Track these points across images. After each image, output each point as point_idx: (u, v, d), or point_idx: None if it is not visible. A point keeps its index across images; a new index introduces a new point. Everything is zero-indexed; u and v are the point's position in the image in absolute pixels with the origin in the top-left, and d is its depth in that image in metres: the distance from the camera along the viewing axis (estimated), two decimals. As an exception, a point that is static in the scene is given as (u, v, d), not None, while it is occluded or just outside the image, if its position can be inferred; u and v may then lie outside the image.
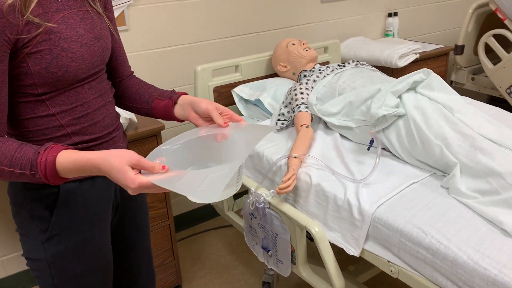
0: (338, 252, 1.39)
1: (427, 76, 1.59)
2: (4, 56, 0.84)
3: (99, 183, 1.05)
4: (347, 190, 1.37)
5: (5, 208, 1.95)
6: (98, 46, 1.00)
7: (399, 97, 1.56)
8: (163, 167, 0.83)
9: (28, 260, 1.06)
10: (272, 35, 2.46)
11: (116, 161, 0.81)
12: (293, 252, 1.48)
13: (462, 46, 2.85)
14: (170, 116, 1.10)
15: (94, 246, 1.07)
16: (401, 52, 2.41)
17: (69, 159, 0.84)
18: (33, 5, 0.86)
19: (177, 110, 1.09)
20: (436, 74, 1.60)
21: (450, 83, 3.04)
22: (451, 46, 2.76)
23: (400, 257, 1.22)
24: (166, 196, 1.89)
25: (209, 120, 1.03)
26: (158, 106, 1.10)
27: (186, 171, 0.88)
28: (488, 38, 2.66)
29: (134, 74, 1.22)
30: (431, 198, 1.30)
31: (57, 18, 0.91)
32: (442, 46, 2.76)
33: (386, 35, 2.95)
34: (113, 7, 2.02)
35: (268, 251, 1.58)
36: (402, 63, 2.43)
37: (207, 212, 2.56)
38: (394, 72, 2.49)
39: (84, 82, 0.99)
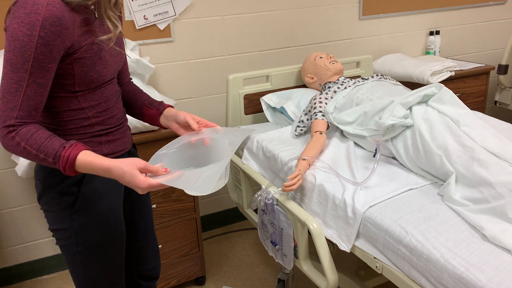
0: (350, 256, 1.47)
1: (439, 90, 1.65)
2: (58, 58, 1.05)
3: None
4: (345, 191, 1.47)
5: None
6: (120, 57, 1.21)
7: (410, 109, 1.64)
8: (165, 169, 1.05)
9: (56, 231, 1.24)
10: (307, 49, 2.60)
11: (127, 167, 1.02)
12: (295, 246, 1.60)
13: (506, 66, 2.80)
14: (156, 123, 1.33)
15: (113, 216, 1.26)
16: (434, 69, 2.45)
17: (87, 159, 1.03)
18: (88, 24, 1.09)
19: (162, 120, 1.32)
20: (447, 89, 1.65)
21: (494, 103, 2.99)
22: (492, 65, 2.73)
23: (384, 253, 1.30)
24: (193, 191, 2.07)
25: (188, 129, 1.24)
26: (147, 113, 1.34)
27: (184, 171, 1.09)
28: (532, 58, 2.61)
29: (132, 81, 1.42)
30: (424, 204, 1.37)
31: (97, 31, 1.12)
32: (482, 65, 2.74)
33: (427, 53, 2.98)
34: (160, 21, 2.28)
35: (275, 245, 1.70)
36: (435, 80, 2.47)
37: (237, 214, 2.72)
38: (427, 88, 2.52)
39: (106, 84, 1.20)
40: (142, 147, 1.88)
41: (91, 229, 1.22)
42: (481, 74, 2.70)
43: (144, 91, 1.40)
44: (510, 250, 1.13)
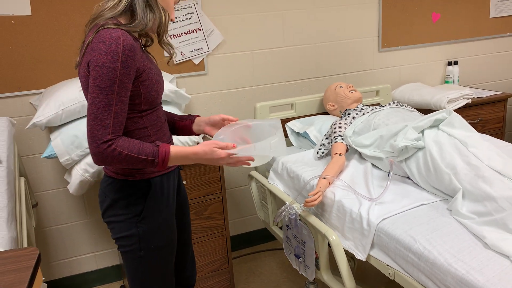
0: (372, 273, 1.60)
1: (449, 115, 1.80)
2: (133, 79, 1.25)
3: (171, 178, 1.45)
4: (361, 206, 1.62)
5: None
6: (162, 80, 1.43)
7: (422, 132, 1.79)
8: (233, 145, 1.28)
9: (121, 238, 1.41)
10: (330, 80, 2.79)
11: (207, 147, 1.27)
12: (317, 258, 1.74)
13: (524, 94, 2.91)
14: (189, 132, 1.55)
15: (169, 225, 1.44)
16: (450, 96, 2.59)
17: (177, 150, 1.27)
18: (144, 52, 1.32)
19: (194, 127, 1.55)
20: (457, 114, 1.80)
21: (515, 130, 3.08)
22: (509, 93, 2.84)
23: (395, 261, 1.44)
24: (224, 209, 2.25)
25: (219, 127, 1.48)
26: (179, 125, 1.56)
27: (253, 143, 1.31)
28: (548, 86, 2.71)
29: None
30: (433, 217, 1.50)
31: (148, 59, 1.35)
32: (500, 92, 2.86)
33: (446, 82, 3.12)
34: (195, 56, 2.52)
35: (299, 258, 1.85)
36: (452, 107, 2.60)
37: (264, 235, 2.87)
38: (445, 115, 2.65)
39: (159, 106, 1.41)
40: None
41: (153, 236, 1.40)
42: (498, 101, 2.82)
43: None
44: (509, 256, 1.25)
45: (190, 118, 1.57)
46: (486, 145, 1.67)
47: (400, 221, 1.50)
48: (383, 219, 1.52)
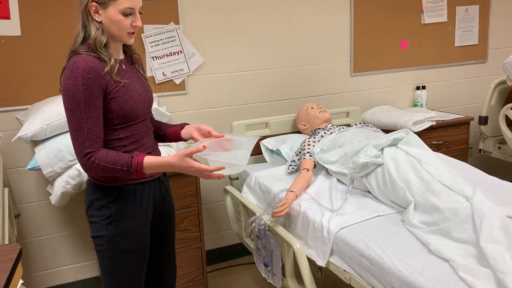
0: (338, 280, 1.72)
1: (407, 135, 1.96)
2: (100, 97, 1.39)
3: (146, 188, 1.56)
4: (323, 217, 1.75)
5: (81, 227, 2.56)
6: (147, 96, 1.56)
7: (382, 150, 1.95)
8: (204, 146, 1.39)
9: (95, 238, 1.54)
10: (304, 101, 2.96)
11: (180, 157, 1.37)
12: (283, 266, 1.86)
13: (486, 117, 3.10)
14: (178, 138, 1.66)
15: (139, 231, 1.55)
16: (415, 119, 2.76)
17: (151, 161, 1.39)
18: (115, 71, 1.44)
19: (183, 133, 1.66)
20: (414, 134, 1.97)
21: (479, 151, 3.27)
22: (471, 117, 3.04)
23: (351, 266, 1.57)
24: (199, 222, 2.37)
25: (206, 136, 1.59)
26: (170, 131, 1.68)
27: (223, 152, 1.45)
28: (507, 110, 2.91)
29: (154, 118, 1.76)
30: (387, 227, 1.64)
31: (126, 77, 1.48)
32: (463, 116, 3.05)
33: (415, 105, 3.30)
34: (177, 77, 2.67)
35: (267, 267, 1.97)
36: (417, 128, 2.77)
37: (240, 249, 2.97)
38: (412, 136, 2.83)
39: (139, 121, 1.54)
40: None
41: (120, 240, 1.51)
42: (461, 124, 3.00)
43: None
44: (448, 260, 1.39)
45: (180, 125, 1.70)
46: (439, 162, 1.83)
47: (357, 230, 1.63)
48: (341, 228, 1.65)
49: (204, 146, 1.38)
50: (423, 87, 3.27)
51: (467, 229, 1.47)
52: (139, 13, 1.46)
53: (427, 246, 1.48)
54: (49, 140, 2.09)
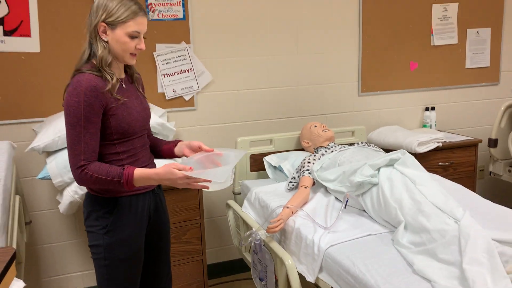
0: None
1: (403, 155, 1.99)
2: (100, 113, 1.49)
3: (140, 199, 1.64)
4: (315, 233, 1.79)
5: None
6: (145, 114, 1.65)
7: (378, 170, 1.98)
8: (190, 168, 1.46)
9: (92, 247, 1.62)
10: (311, 119, 3.00)
11: (167, 168, 1.45)
12: (276, 281, 1.90)
13: (495, 140, 3.08)
14: (171, 155, 1.74)
15: (134, 241, 1.62)
16: (420, 139, 2.77)
17: (141, 173, 1.47)
18: (115, 90, 1.54)
19: (176, 150, 1.74)
20: (410, 155, 1.99)
21: (489, 174, 3.24)
22: (479, 139, 3.02)
23: (338, 283, 1.59)
24: (201, 235, 2.43)
25: (197, 151, 1.65)
26: (165, 148, 1.76)
27: (205, 170, 1.52)
28: (516, 133, 2.89)
29: (152, 134, 1.85)
30: (375, 246, 1.67)
31: (125, 96, 1.58)
32: (471, 138, 3.04)
33: (424, 126, 3.31)
34: (186, 93, 2.77)
35: (262, 281, 2.01)
36: (422, 149, 2.78)
37: (244, 264, 3.01)
38: (418, 157, 2.83)
39: (136, 136, 1.63)
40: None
41: (116, 248, 1.59)
42: (470, 146, 2.99)
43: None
44: (431, 281, 1.41)
45: (173, 142, 1.78)
46: (433, 183, 1.85)
47: (346, 248, 1.66)
48: (331, 245, 1.69)
49: (190, 168, 1.45)
50: (433, 108, 3.28)
51: (453, 250, 1.49)
52: (143, 37, 1.56)
53: (412, 266, 1.50)
54: (60, 152, 2.20)
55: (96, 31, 1.51)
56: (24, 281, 1.40)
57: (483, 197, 2.01)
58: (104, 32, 1.51)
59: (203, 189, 1.50)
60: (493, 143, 3.10)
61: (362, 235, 1.75)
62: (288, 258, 1.79)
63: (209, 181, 1.45)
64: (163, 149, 1.77)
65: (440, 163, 2.92)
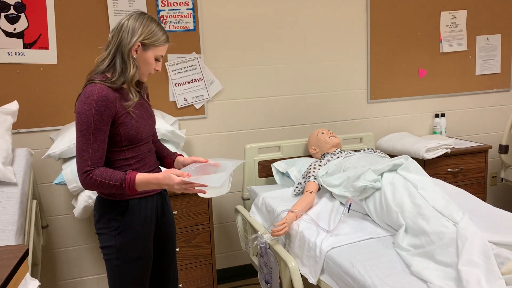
0: None
1: (406, 161, 2.02)
2: (109, 122, 1.58)
3: (149, 201, 1.72)
4: (318, 236, 1.83)
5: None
6: (151, 121, 1.74)
7: (382, 175, 2.02)
8: (188, 174, 1.53)
9: (104, 248, 1.69)
10: (319, 127, 3.05)
11: (166, 174, 1.53)
12: (281, 283, 1.94)
13: (506, 146, 3.07)
14: (171, 167, 1.82)
15: (144, 241, 1.70)
16: (428, 146, 2.79)
17: (142, 177, 1.55)
18: (131, 105, 1.63)
19: (175, 164, 1.82)
20: (413, 160, 2.03)
21: (501, 180, 3.22)
22: (489, 145, 3.02)
23: (338, 284, 1.63)
24: (211, 239, 2.49)
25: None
26: (166, 161, 1.85)
27: (202, 176, 1.58)
28: (526, 139, 2.88)
29: (159, 140, 1.92)
30: (376, 248, 1.71)
31: (133, 105, 1.66)
32: (481, 144, 3.04)
33: (434, 132, 3.32)
34: (197, 102, 2.85)
35: (268, 284, 2.05)
36: (430, 155, 2.80)
37: (253, 269, 3.05)
38: (426, 163, 2.85)
39: (143, 143, 1.71)
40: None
41: (128, 248, 1.67)
42: (479, 152, 2.99)
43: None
44: (427, 282, 1.44)
45: (171, 157, 1.86)
46: (434, 188, 1.88)
47: (347, 251, 1.70)
48: (333, 247, 1.73)
49: (188, 174, 1.52)
50: (442, 115, 3.29)
51: (451, 252, 1.52)
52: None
53: (410, 268, 1.53)
54: (75, 158, 2.30)
55: (130, 49, 1.59)
56: (41, 283, 1.49)
57: (496, 204, 2.03)
58: (135, 51, 1.60)
59: (200, 194, 1.57)
60: (504, 149, 3.09)
61: (364, 238, 1.79)
62: (292, 261, 1.83)
63: (205, 186, 1.52)
64: (165, 161, 1.86)
65: (449, 169, 2.93)
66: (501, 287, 1.32)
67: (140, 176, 1.55)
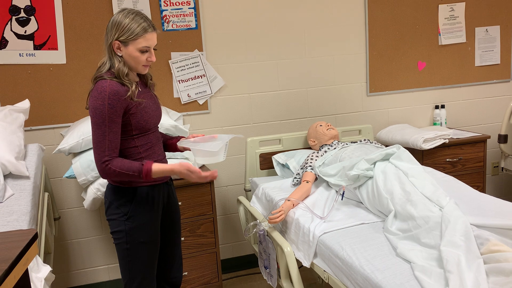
0: None
1: (398, 150, 2.10)
2: (121, 114, 1.69)
3: (156, 189, 1.84)
4: (312, 223, 1.93)
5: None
6: (158, 112, 1.85)
7: (374, 164, 2.10)
8: (199, 171, 1.70)
9: (114, 233, 1.82)
10: (319, 120, 3.13)
11: (179, 165, 1.69)
12: (278, 268, 2.04)
13: (505, 136, 3.12)
14: (175, 148, 1.95)
15: (152, 225, 1.82)
16: (426, 136, 2.85)
17: (158, 167, 1.69)
18: (135, 95, 1.74)
19: (178, 144, 1.92)
20: (405, 149, 2.10)
21: (501, 170, 3.27)
22: (487, 135, 3.07)
23: (329, 266, 1.72)
24: (214, 229, 2.60)
25: None
26: (169, 143, 1.96)
27: (202, 143, 1.76)
28: (525, 128, 2.92)
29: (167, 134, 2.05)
30: (366, 233, 1.79)
31: (142, 97, 1.77)
32: (479, 134, 3.09)
33: (434, 123, 3.37)
34: (200, 98, 2.95)
35: (267, 269, 2.15)
36: (428, 146, 2.86)
37: (256, 260, 3.15)
38: (424, 153, 2.92)
39: (151, 131, 1.82)
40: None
41: (137, 232, 1.79)
42: (478, 142, 3.04)
43: None
44: (410, 262, 1.52)
45: (177, 138, 2.00)
46: (424, 175, 1.95)
47: (338, 235, 1.79)
48: (325, 232, 1.82)
49: (192, 135, 1.76)
50: (442, 106, 3.34)
51: (435, 235, 1.60)
52: (154, 49, 1.75)
53: (396, 250, 1.61)
54: (84, 153, 2.43)
55: (111, 48, 1.71)
56: (55, 273, 1.60)
57: (496, 193, 2.09)
58: (119, 48, 1.71)
59: (199, 160, 1.74)
60: (503, 139, 3.13)
61: (355, 224, 1.88)
62: (287, 246, 1.93)
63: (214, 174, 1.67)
64: (168, 143, 1.97)
65: (448, 159, 2.99)
66: (479, 266, 1.40)
67: (156, 167, 1.69)
